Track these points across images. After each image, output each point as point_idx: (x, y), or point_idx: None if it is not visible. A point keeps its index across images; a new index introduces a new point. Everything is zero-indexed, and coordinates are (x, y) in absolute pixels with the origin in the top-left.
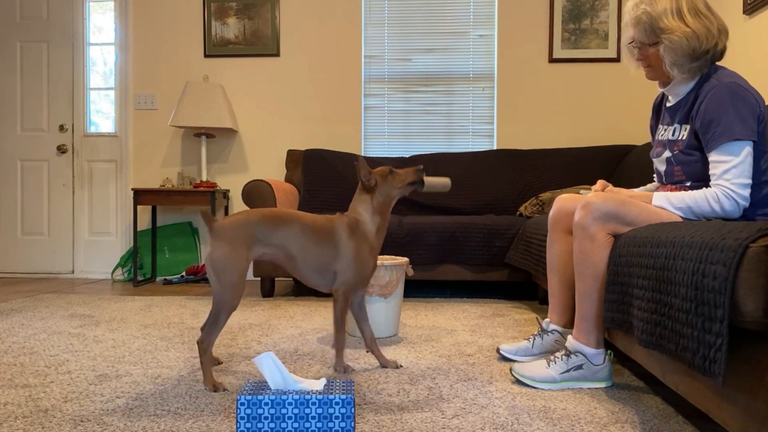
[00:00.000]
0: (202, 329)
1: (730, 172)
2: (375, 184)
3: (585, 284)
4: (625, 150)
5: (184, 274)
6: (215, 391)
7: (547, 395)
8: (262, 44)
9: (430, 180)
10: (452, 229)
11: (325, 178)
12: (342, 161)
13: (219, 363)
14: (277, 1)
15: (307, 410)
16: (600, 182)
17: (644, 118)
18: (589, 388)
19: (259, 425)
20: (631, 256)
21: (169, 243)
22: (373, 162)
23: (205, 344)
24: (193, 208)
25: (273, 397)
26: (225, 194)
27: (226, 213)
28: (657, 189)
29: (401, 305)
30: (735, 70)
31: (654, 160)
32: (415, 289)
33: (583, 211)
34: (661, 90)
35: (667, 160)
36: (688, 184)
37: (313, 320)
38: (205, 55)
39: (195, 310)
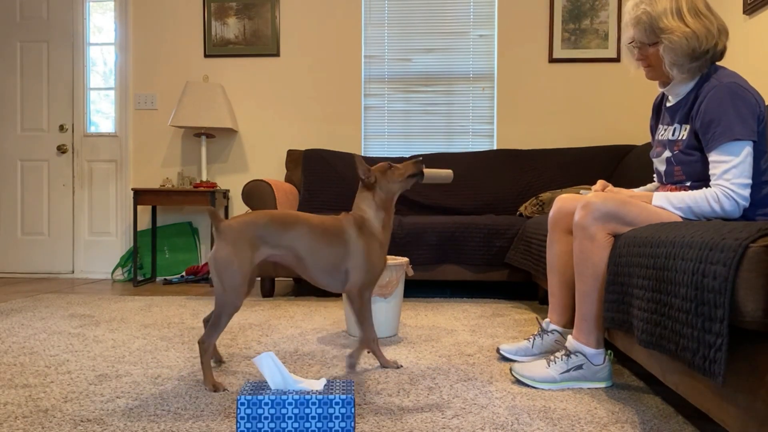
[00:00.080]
0: (205, 322)
1: (730, 172)
2: (375, 180)
3: (585, 284)
4: (625, 150)
5: (184, 274)
6: (215, 391)
7: (547, 395)
8: (262, 44)
9: (430, 171)
10: (452, 229)
11: (325, 178)
12: (342, 161)
13: (222, 362)
14: (277, 1)
15: (307, 410)
16: (600, 182)
17: (644, 118)
18: (589, 388)
19: (259, 425)
20: (631, 256)
21: (169, 243)
22: (373, 162)
23: (206, 344)
24: (193, 208)
25: (273, 397)
26: (225, 194)
27: (226, 213)
28: (657, 189)
29: (401, 305)
30: (735, 70)
31: (654, 160)
32: (415, 289)
33: (583, 211)
34: (661, 90)
35: (667, 160)
36: (688, 184)
37: (313, 320)
38: (205, 55)
39: (195, 310)
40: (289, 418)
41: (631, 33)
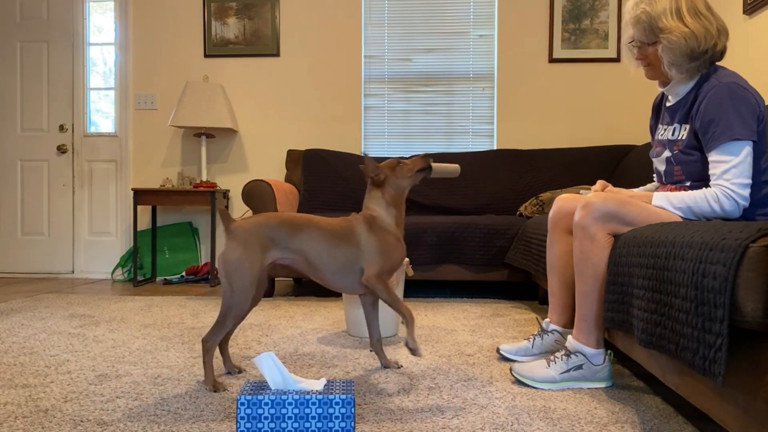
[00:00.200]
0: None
1: (729, 172)
2: (384, 177)
3: (585, 284)
4: (625, 150)
5: (184, 274)
6: (215, 391)
7: (547, 395)
8: (262, 44)
9: (438, 166)
10: (452, 229)
11: (325, 178)
12: (342, 161)
13: (240, 371)
14: (277, 1)
15: (307, 410)
16: (600, 182)
17: (644, 118)
18: (589, 388)
19: (259, 425)
20: (631, 256)
21: (169, 243)
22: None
23: (209, 344)
24: (193, 208)
25: (273, 397)
26: (225, 194)
27: None
28: (657, 189)
29: None
30: (735, 70)
31: (654, 159)
32: (415, 289)
33: (583, 211)
34: (660, 90)
35: (667, 159)
36: (688, 183)
37: (313, 320)
38: (205, 55)
39: (195, 310)
40: (289, 418)
41: (631, 32)
